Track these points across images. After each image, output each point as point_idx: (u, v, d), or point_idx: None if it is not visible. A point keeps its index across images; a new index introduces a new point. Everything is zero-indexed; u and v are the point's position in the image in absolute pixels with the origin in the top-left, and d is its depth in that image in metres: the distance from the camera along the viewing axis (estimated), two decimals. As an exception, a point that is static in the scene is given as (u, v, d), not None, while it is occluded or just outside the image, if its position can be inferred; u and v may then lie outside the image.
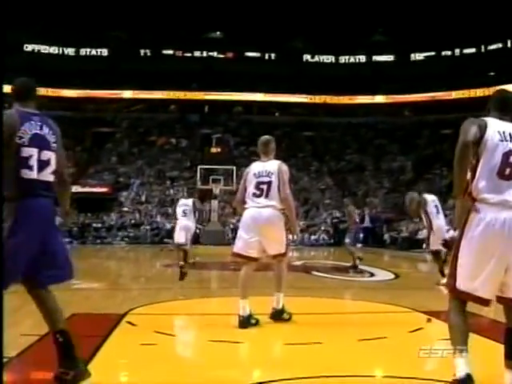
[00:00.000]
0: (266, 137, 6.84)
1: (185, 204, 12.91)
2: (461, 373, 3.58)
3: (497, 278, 3.62)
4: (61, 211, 4.45)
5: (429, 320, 6.22)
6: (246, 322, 6.08)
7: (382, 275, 13.23)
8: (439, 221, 11.04)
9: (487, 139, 3.67)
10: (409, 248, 24.98)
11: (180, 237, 12.50)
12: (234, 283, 10.00)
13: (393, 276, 13.03)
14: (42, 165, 3.88)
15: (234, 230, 29.97)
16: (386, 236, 29.70)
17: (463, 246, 3.70)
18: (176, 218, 13.33)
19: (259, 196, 6.38)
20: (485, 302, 3.66)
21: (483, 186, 3.66)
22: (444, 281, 11.91)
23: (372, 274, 13.57)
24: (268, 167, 6.50)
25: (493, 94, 4.08)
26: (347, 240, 15.73)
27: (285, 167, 6.55)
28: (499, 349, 3.89)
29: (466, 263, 3.67)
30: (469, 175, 3.71)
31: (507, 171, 3.66)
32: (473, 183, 3.70)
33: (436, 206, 11.10)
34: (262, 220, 6.33)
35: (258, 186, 6.41)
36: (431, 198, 11.20)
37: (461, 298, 3.73)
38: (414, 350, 4.86)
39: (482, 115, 3.94)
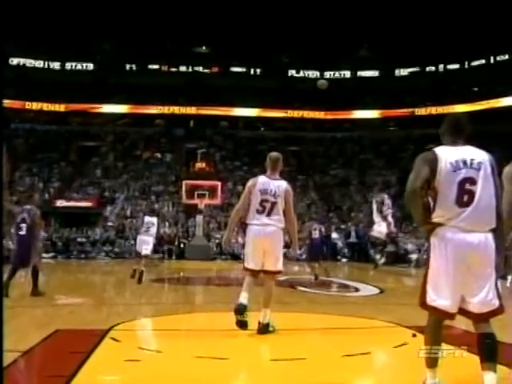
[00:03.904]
0: (276, 154, 7.07)
1: (151, 222, 14.65)
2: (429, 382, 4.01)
3: (457, 294, 3.89)
4: None
5: (414, 335, 6.21)
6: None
7: (367, 290, 13.22)
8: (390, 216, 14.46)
9: (440, 172, 3.89)
10: (394, 263, 24.98)
11: (143, 249, 14.36)
12: (219, 298, 9.97)
13: (378, 291, 13.03)
14: None
15: (219, 245, 29.88)
16: (371, 251, 29.67)
17: (430, 268, 3.99)
18: (138, 233, 15.31)
19: (261, 213, 6.66)
20: (451, 316, 3.95)
21: (443, 214, 3.90)
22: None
23: (357, 289, 13.57)
24: (274, 187, 6.71)
25: (445, 118, 4.24)
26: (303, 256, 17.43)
27: (290, 189, 6.84)
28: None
29: (432, 282, 3.96)
30: (432, 204, 3.98)
31: (465, 198, 3.88)
32: (434, 211, 3.95)
33: (387, 204, 14.45)
34: (265, 237, 6.63)
35: (261, 202, 6.67)
36: (385, 197, 14.77)
37: (431, 313, 4.00)
38: (398, 365, 4.86)
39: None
